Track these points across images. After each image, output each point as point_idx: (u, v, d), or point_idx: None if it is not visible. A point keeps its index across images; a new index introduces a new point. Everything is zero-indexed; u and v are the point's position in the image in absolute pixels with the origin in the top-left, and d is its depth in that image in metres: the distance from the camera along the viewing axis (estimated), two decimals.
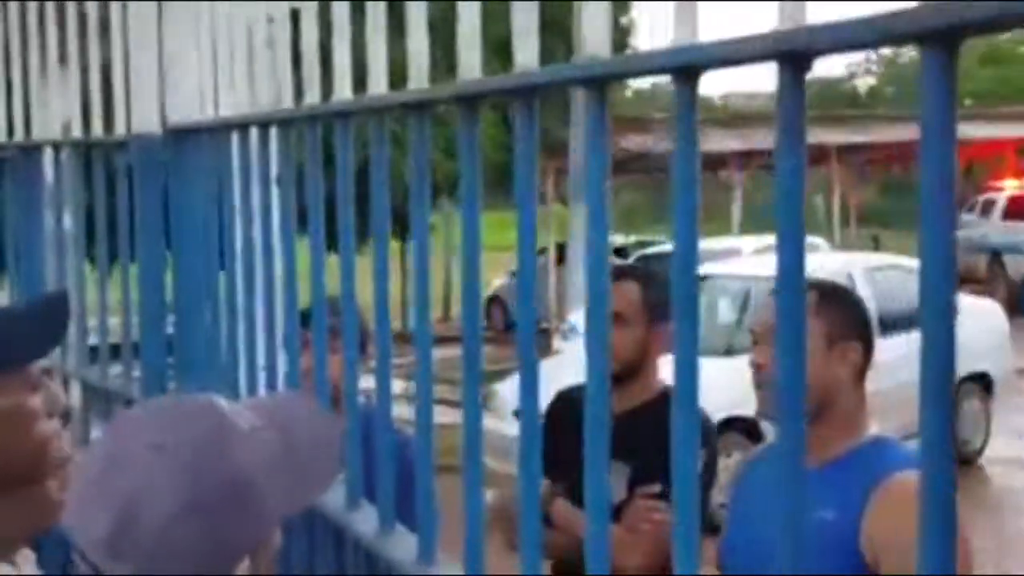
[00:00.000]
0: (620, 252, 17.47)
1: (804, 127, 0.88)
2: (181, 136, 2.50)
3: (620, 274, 2.83)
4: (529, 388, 1.26)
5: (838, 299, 2.15)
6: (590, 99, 1.09)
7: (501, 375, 8.21)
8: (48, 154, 3.19)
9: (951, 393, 0.73)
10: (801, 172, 0.86)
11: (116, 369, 2.99)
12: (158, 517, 1.09)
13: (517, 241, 1.27)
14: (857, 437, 2.06)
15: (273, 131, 2.09)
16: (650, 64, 1.07)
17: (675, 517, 1.02)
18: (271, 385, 2.18)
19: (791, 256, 0.88)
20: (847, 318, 2.11)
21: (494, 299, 17.99)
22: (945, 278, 0.79)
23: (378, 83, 1.63)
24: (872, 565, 1.94)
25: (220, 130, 2.32)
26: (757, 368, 2.15)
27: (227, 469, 1.13)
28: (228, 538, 1.12)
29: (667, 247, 18.51)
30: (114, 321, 3.03)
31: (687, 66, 0.96)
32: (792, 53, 0.86)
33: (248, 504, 1.13)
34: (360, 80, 1.71)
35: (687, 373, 1.00)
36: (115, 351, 3.01)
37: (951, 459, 0.73)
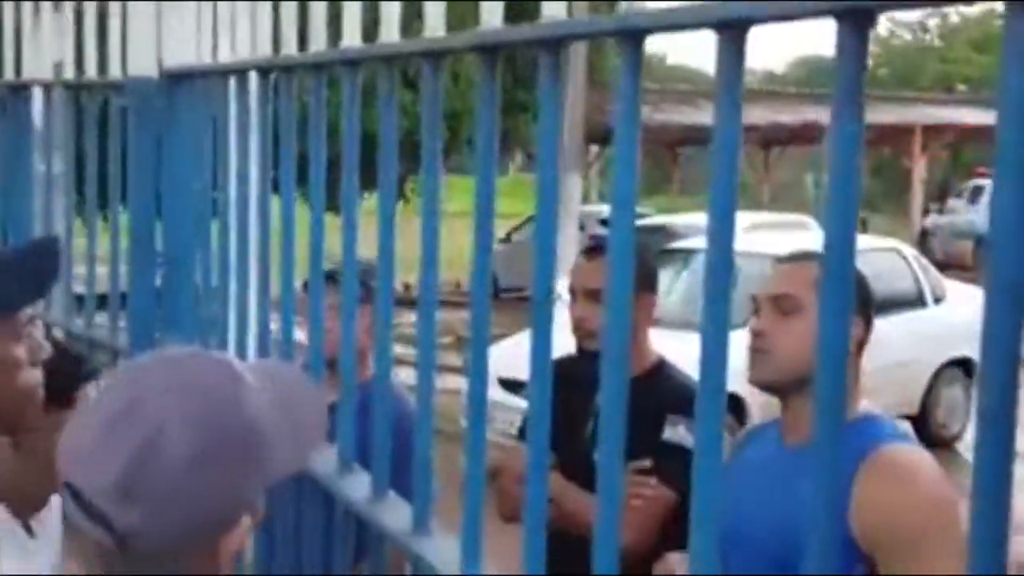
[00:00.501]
0: (607, 223, 17.35)
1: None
2: (177, 80, 2.42)
3: (596, 251, 2.78)
4: (541, 364, 1.21)
5: None
6: (625, 53, 1.03)
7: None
8: (38, 95, 3.11)
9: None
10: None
11: (101, 319, 2.93)
12: (174, 461, 1.06)
13: (537, 200, 1.21)
14: (850, 412, 2.04)
15: (274, 78, 2.01)
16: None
17: (695, 501, 0.97)
18: (263, 343, 2.12)
19: (841, 229, 0.82)
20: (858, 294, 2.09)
21: None
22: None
23: (389, 31, 1.56)
24: (861, 539, 1.91)
25: (218, 75, 2.24)
26: (756, 335, 2.12)
27: (241, 420, 1.11)
28: (236, 490, 1.11)
29: (655, 219, 18.54)
30: (101, 271, 2.96)
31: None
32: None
33: (256, 457, 1.12)
34: (368, 32, 1.65)
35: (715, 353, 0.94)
36: (101, 301, 2.95)
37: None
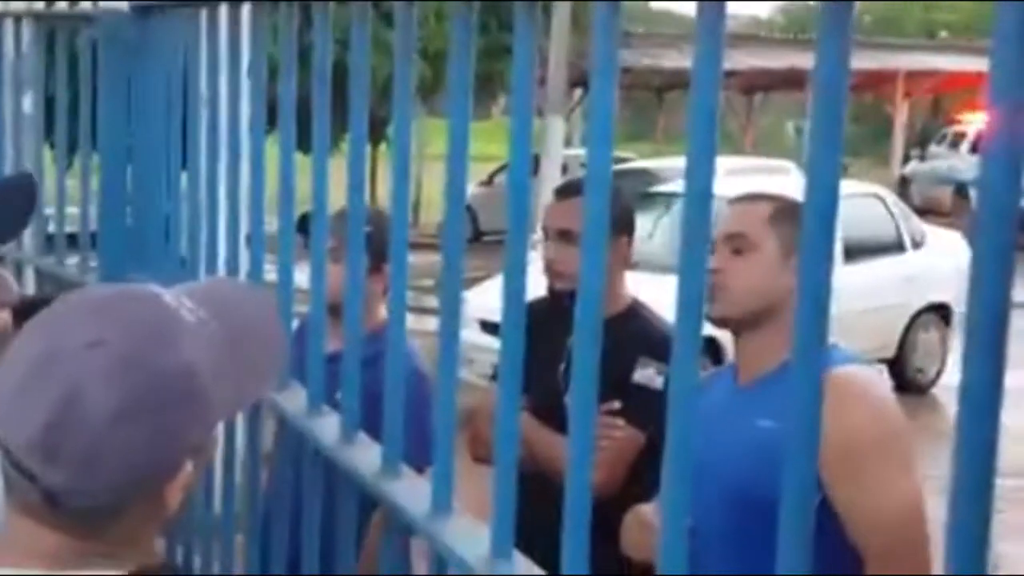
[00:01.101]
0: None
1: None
2: (147, 12, 2.36)
3: (570, 191, 2.76)
4: (515, 303, 1.18)
5: (795, 213, 2.11)
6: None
7: (468, 283, 8.17)
8: (9, 27, 3.04)
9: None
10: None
11: (73, 259, 2.89)
12: (97, 417, 0.99)
13: (510, 142, 1.18)
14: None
15: (246, 9, 1.95)
16: None
17: (668, 446, 0.95)
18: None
19: (825, 174, 0.80)
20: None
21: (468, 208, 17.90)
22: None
23: None
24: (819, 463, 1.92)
25: (189, 6, 2.19)
26: (712, 272, 2.12)
27: (173, 363, 1.03)
28: (173, 438, 1.03)
29: (639, 163, 18.44)
30: (72, 210, 2.92)
31: None
32: None
33: (194, 401, 1.04)
34: None
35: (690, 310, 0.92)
36: (72, 241, 2.91)
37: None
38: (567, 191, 2.77)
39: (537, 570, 1.19)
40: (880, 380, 2.11)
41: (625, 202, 2.89)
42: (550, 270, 2.69)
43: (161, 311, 1.07)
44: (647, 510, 2.12)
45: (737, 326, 2.14)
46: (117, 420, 0.99)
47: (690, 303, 0.92)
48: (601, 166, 1.05)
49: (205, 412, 1.06)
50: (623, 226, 2.62)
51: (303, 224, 1.96)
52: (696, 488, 0.89)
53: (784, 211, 2.13)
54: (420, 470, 1.49)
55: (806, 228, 0.79)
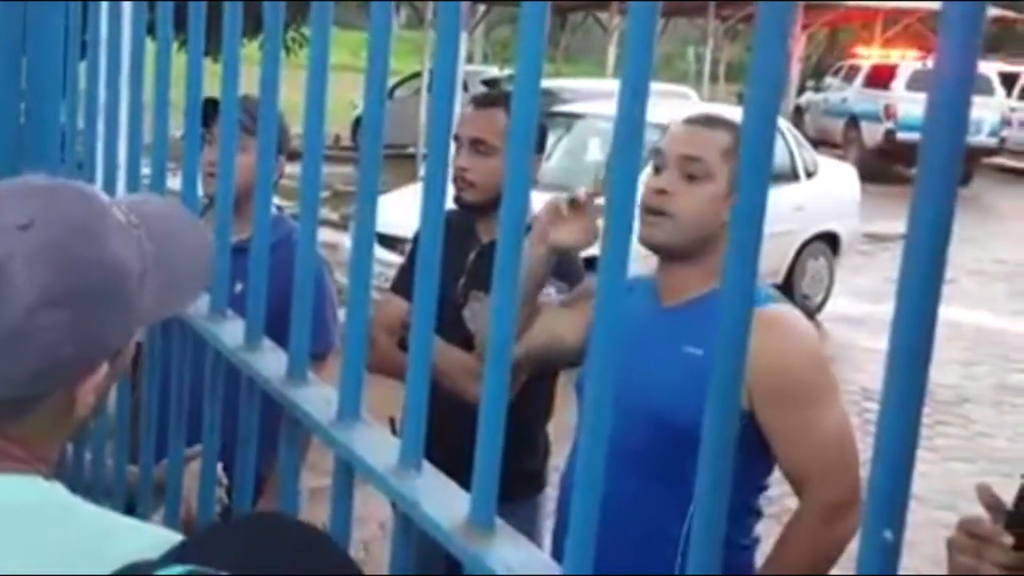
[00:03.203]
0: (492, 84, 17.21)
1: None
2: None
3: (487, 102, 2.74)
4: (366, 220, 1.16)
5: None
6: None
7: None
8: None
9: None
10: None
11: None
12: (21, 298, 0.96)
13: (435, 58, 1.15)
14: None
15: None
16: None
17: (589, 363, 0.95)
18: (132, 188, 2.02)
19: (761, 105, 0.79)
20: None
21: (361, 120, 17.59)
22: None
23: None
24: (744, 394, 1.96)
25: None
26: (659, 193, 2.08)
27: (101, 257, 1.01)
28: (94, 333, 1.01)
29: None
30: None
31: None
32: None
33: (118, 300, 1.03)
34: None
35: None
36: None
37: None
38: (485, 101, 2.75)
39: (449, 481, 1.19)
40: (804, 319, 2.15)
41: (541, 121, 2.88)
42: (460, 179, 2.66)
43: (96, 207, 1.04)
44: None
45: (672, 253, 2.10)
46: (41, 304, 0.97)
47: (618, 228, 0.91)
48: (529, 82, 1.03)
49: (127, 314, 1.04)
50: (536, 144, 2.62)
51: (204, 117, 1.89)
52: (614, 405, 0.90)
53: (737, 145, 2.11)
54: (317, 356, 1.46)
55: (746, 158, 0.78)
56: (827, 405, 2.05)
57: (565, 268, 2.59)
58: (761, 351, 1.97)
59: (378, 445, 1.26)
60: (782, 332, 2.02)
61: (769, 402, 1.99)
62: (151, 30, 1.84)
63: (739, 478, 0.83)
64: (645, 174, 2.13)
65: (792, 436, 2.02)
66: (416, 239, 2.41)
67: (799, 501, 2.07)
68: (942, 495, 5.50)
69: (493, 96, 2.83)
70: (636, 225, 1.93)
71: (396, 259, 4.88)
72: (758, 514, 2.19)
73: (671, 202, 2.06)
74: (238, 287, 2.11)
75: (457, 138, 2.66)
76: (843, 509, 1.98)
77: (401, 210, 4.60)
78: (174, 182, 1.83)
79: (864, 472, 0.72)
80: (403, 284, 2.85)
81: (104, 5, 2.05)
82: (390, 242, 6.59)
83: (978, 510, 1.51)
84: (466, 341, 2.59)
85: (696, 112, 2.27)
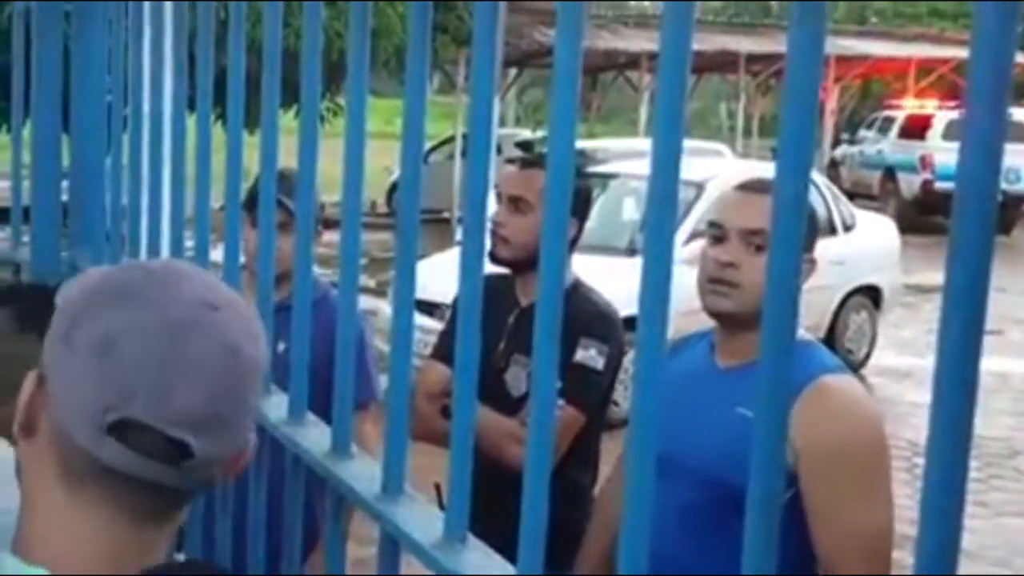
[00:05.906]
0: (527, 147, 17.35)
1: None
2: None
3: (526, 163, 2.79)
4: (406, 283, 1.17)
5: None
6: None
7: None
8: None
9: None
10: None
11: (5, 234, 2.82)
12: (249, 376, 0.95)
13: (470, 123, 1.17)
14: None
15: None
16: None
17: (632, 423, 0.95)
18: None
19: (795, 159, 0.79)
20: (807, 228, 2.07)
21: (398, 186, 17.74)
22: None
23: None
24: (792, 464, 1.93)
25: None
26: (726, 266, 2.08)
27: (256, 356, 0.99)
28: (251, 412, 0.99)
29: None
30: (2, 184, 2.85)
31: None
32: None
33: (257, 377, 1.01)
34: None
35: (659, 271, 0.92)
36: (2, 215, 2.84)
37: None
38: (527, 163, 2.80)
39: (493, 554, 1.18)
40: (865, 392, 2.11)
41: (583, 185, 2.90)
42: (495, 235, 2.68)
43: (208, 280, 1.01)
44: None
45: (737, 321, 2.10)
46: (255, 379, 0.96)
47: (656, 286, 0.92)
48: (564, 144, 1.04)
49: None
50: (576, 208, 2.64)
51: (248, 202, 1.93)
52: (664, 470, 0.89)
53: None
54: (360, 407, 1.47)
55: (777, 218, 0.79)
56: (876, 495, 1.96)
57: (604, 329, 2.59)
58: (811, 429, 1.93)
59: (423, 519, 1.26)
60: (843, 404, 1.98)
61: (817, 474, 1.93)
62: (191, 104, 1.88)
63: (793, 544, 0.82)
64: (697, 243, 2.11)
65: (830, 513, 1.95)
66: (455, 304, 2.43)
67: None
68: (996, 551, 5.39)
69: (535, 157, 2.89)
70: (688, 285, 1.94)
71: (435, 325, 4.89)
72: None
73: (737, 274, 2.07)
74: (280, 346, 2.13)
75: (497, 192, 2.71)
76: None
77: (439, 276, 4.61)
78: (215, 254, 1.86)
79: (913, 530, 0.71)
80: (444, 350, 2.86)
81: (146, 80, 2.10)
82: (428, 308, 6.61)
83: None
84: (509, 405, 2.58)
85: (747, 178, 2.25)
